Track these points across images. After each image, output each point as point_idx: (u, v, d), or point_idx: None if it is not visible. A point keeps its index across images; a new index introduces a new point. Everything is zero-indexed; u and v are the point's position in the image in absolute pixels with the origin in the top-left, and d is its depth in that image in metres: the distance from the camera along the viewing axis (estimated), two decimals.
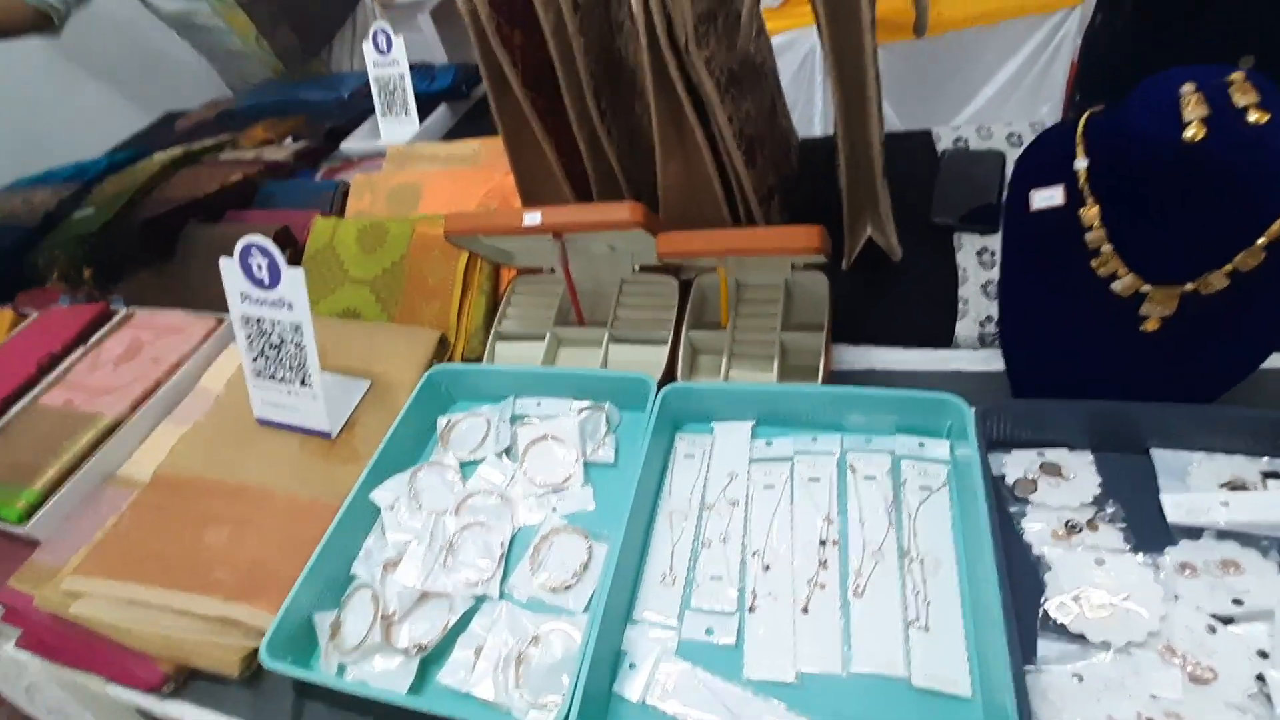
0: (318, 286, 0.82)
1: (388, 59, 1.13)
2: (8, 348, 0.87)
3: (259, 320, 0.63)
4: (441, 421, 0.68)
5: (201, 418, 0.71)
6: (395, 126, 1.16)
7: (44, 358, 0.82)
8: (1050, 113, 1.23)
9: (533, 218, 0.60)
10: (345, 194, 0.96)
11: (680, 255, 0.56)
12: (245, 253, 0.60)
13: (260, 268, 0.60)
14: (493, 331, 0.74)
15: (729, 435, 0.61)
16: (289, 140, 1.23)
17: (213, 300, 0.86)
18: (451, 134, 1.19)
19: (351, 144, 1.14)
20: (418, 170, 0.91)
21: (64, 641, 0.58)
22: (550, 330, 0.72)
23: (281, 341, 0.63)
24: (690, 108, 0.59)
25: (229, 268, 0.61)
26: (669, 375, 0.64)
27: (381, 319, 0.79)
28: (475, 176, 0.86)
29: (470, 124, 1.22)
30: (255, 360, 0.66)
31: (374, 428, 0.68)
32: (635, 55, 0.69)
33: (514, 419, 0.67)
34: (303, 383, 0.65)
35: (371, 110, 1.22)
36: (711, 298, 0.69)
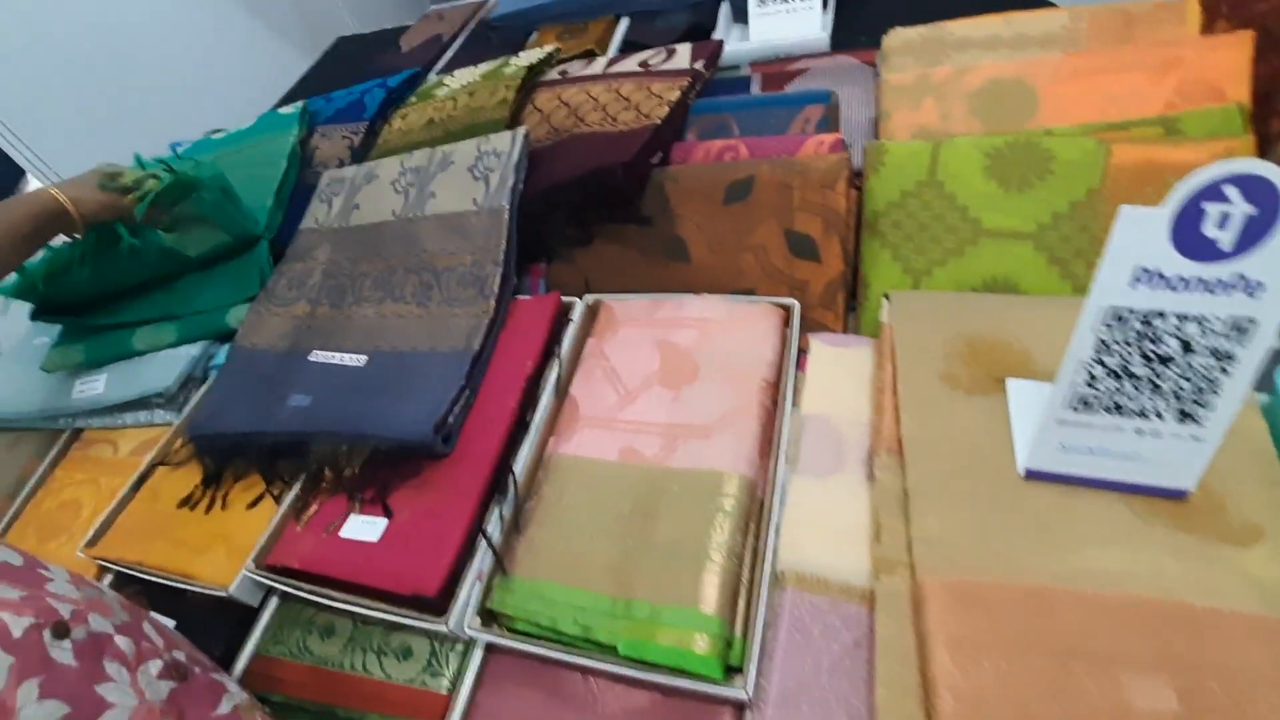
0: (921, 245, 0.54)
1: None
2: None
3: (1152, 317, 0.36)
4: None
5: (904, 473, 0.45)
6: (780, 21, 0.84)
7: (526, 382, 0.55)
8: None
9: None
10: (836, 108, 0.67)
11: None
12: (1206, 193, 0.32)
13: (1225, 221, 0.33)
14: None
15: None
16: (616, 44, 0.92)
17: (686, 278, 0.59)
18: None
19: (743, 45, 0.82)
20: (1008, 60, 0.61)
21: None
22: None
23: (1186, 349, 0.36)
24: None
25: (1145, 223, 0.33)
26: None
27: (1061, 289, 0.52)
28: (1114, 65, 0.56)
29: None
30: (1091, 384, 0.39)
31: (1243, 477, 0.41)
32: None
33: None
34: (1184, 416, 0.38)
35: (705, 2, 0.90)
36: None
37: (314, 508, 0.54)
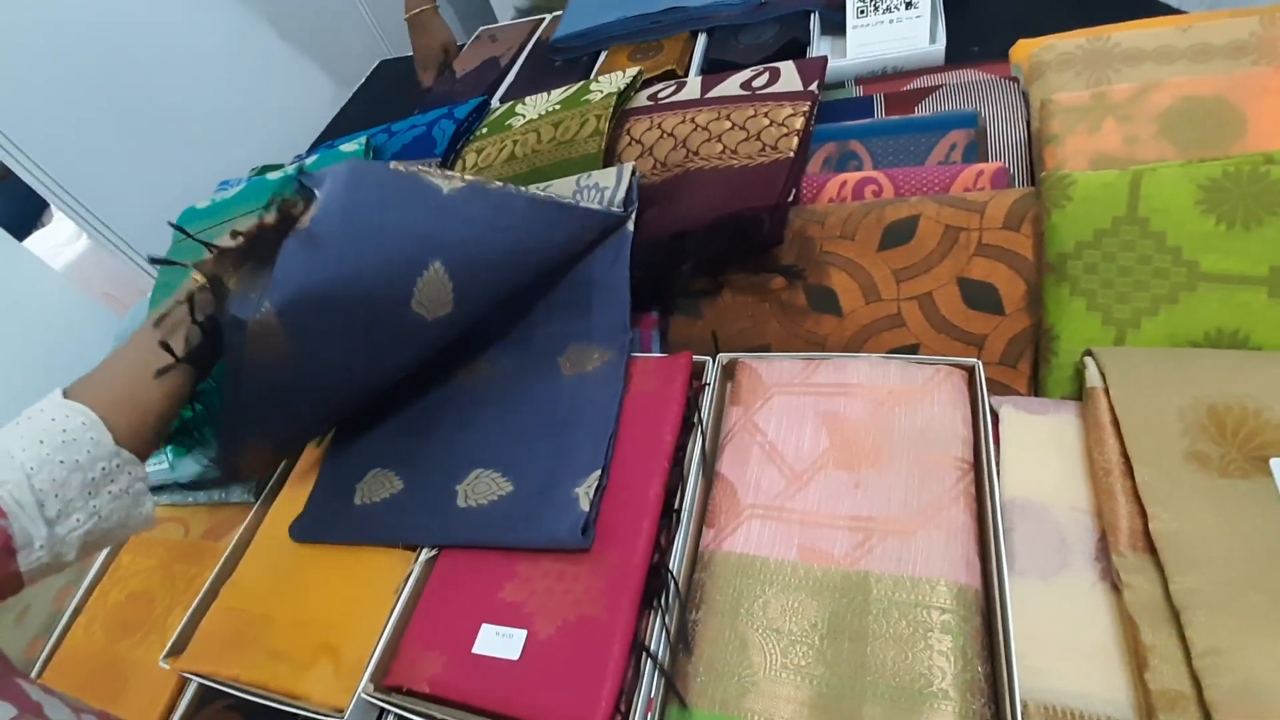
0: (1124, 292, 0.47)
1: None
2: None
3: None
4: None
5: (1164, 579, 0.37)
6: (882, 32, 0.77)
7: (669, 460, 0.48)
8: None
9: None
10: (984, 132, 0.60)
11: None
12: None
13: None
14: None
15: None
16: (698, 63, 0.85)
17: (837, 334, 0.52)
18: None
19: (843, 61, 0.75)
20: (1195, 74, 0.55)
21: None
22: None
23: None
24: None
25: None
26: None
27: None
28: None
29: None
30: None
31: None
32: None
33: None
34: None
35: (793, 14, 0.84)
36: None
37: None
